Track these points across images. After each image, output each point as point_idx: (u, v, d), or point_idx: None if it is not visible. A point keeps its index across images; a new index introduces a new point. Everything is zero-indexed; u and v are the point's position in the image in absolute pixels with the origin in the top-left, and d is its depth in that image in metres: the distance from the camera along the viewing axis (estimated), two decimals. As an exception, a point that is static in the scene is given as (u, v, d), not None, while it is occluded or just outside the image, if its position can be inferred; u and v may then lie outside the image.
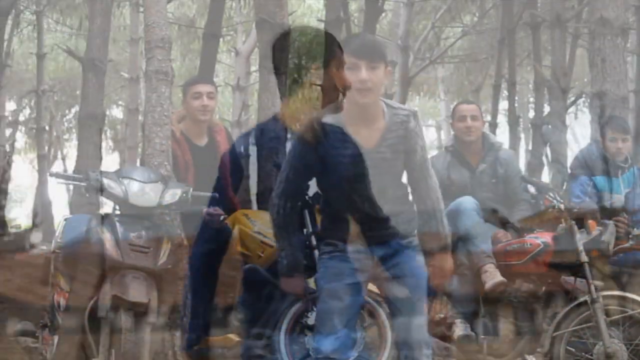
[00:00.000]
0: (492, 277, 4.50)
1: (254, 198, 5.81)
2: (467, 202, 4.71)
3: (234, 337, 4.58)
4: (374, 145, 3.34)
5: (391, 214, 3.42)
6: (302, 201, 4.59)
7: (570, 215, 4.46)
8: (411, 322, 3.38)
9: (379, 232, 3.43)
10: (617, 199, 5.24)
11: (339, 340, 3.36)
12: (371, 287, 4.65)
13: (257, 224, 4.72)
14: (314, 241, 4.54)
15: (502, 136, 13.37)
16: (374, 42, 3.46)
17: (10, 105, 21.39)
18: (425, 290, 3.42)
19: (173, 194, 4.03)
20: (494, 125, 12.54)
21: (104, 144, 20.64)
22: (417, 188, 3.47)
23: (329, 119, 3.37)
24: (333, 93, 3.37)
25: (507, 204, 5.07)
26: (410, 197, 3.54)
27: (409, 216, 3.51)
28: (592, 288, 4.28)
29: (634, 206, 5.24)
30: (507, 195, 5.11)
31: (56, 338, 3.97)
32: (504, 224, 4.81)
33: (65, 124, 21.33)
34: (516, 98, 13.90)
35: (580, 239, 4.40)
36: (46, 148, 17.98)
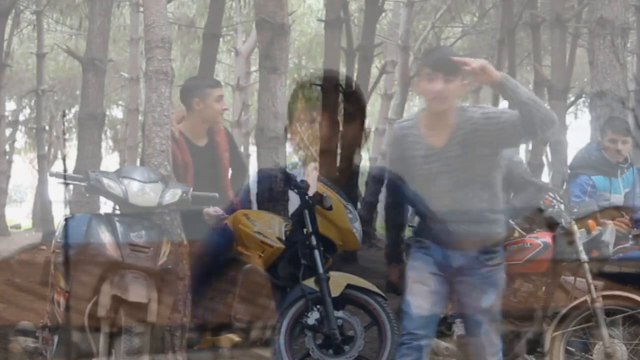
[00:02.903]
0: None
1: (254, 198, 5.84)
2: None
3: (234, 337, 4.58)
4: (443, 145, 3.57)
5: (474, 220, 3.60)
6: (303, 202, 4.58)
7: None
8: (479, 337, 3.66)
9: (457, 238, 3.59)
10: (616, 199, 5.23)
11: (423, 319, 3.60)
12: (371, 286, 4.66)
13: (257, 224, 4.72)
14: (314, 241, 4.55)
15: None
16: (449, 57, 3.60)
17: (10, 105, 21.40)
18: (494, 311, 3.66)
19: (173, 194, 4.02)
20: (493, 125, 12.52)
21: (104, 144, 20.64)
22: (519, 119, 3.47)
23: (407, 122, 3.75)
24: None
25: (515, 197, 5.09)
26: (502, 207, 3.70)
27: (495, 228, 3.65)
28: (592, 288, 4.28)
29: (633, 206, 5.23)
30: (513, 186, 5.11)
31: (56, 338, 3.97)
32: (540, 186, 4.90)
33: (65, 124, 21.34)
34: (516, 98, 13.86)
35: (580, 239, 4.40)
36: (46, 148, 17.99)
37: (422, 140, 3.61)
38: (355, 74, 10.87)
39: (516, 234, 4.82)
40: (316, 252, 4.52)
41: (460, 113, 3.57)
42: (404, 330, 3.63)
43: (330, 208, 4.71)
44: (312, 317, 4.42)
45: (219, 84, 5.19)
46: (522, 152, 16.79)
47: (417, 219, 3.83)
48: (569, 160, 6.08)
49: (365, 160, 12.80)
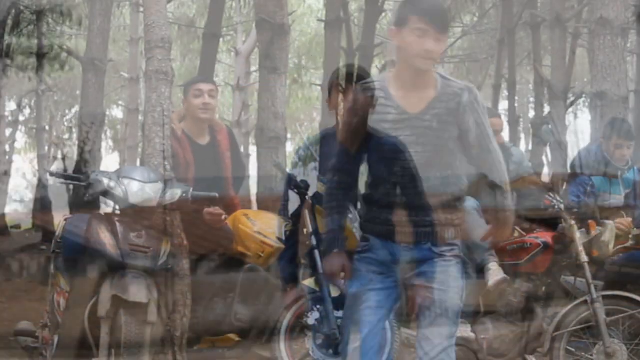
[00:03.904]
0: (495, 275, 4.50)
1: (254, 198, 5.84)
2: (469, 202, 4.71)
3: (234, 337, 4.58)
4: (419, 112, 3.08)
5: (431, 207, 3.08)
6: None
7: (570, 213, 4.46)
8: (433, 336, 3.05)
9: (414, 228, 3.09)
10: (616, 200, 5.24)
11: (359, 348, 3.11)
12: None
13: (257, 224, 4.73)
14: (314, 241, 4.54)
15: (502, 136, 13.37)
16: (445, 11, 3.21)
17: (10, 105, 21.40)
18: (457, 306, 3.12)
19: (173, 194, 4.03)
20: (494, 125, 12.53)
21: (104, 144, 20.64)
22: (479, 166, 3.19)
23: (373, 82, 3.17)
24: None
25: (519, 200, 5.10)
26: (462, 193, 3.21)
27: (456, 214, 3.16)
28: (592, 288, 4.28)
29: (633, 206, 5.24)
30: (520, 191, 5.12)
31: (56, 338, 3.97)
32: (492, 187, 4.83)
33: (65, 124, 21.33)
34: (516, 98, 13.90)
35: (580, 239, 4.41)
36: (46, 148, 17.99)
37: (394, 103, 3.09)
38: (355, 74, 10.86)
39: (516, 234, 4.82)
40: (316, 252, 4.52)
41: (444, 82, 3.12)
42: None
43: (330, 208, 4.71)
44: (312, 317, 4.42)
45: (203, 80, 5.11)
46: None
47: (363, 205, 3.26)
48: (569, 160, 6.08)
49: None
